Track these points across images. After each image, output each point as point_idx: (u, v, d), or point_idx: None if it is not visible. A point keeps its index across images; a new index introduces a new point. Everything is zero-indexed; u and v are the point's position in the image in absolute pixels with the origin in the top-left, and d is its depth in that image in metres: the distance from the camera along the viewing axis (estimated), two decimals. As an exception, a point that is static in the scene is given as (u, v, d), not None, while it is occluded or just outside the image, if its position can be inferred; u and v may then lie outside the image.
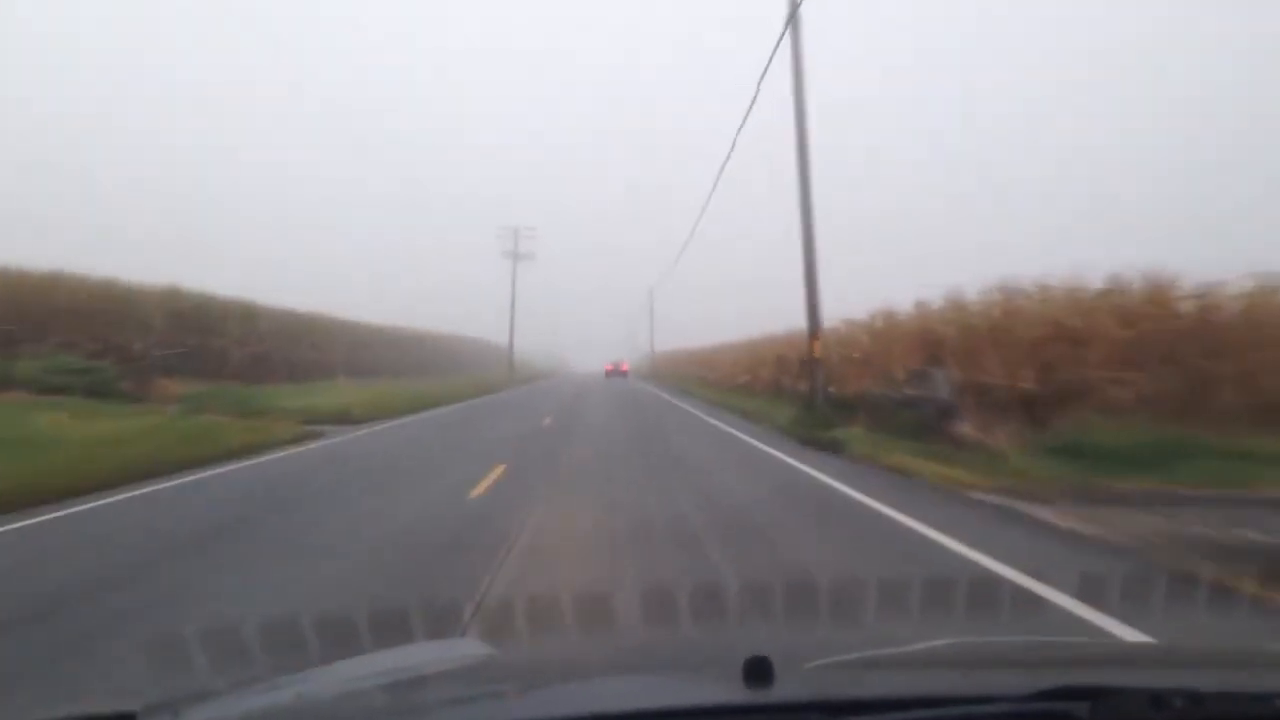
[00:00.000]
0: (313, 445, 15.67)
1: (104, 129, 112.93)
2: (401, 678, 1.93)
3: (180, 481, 10.91)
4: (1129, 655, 2.61)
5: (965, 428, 12.86)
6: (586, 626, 4.36)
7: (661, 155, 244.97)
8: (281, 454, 14.09)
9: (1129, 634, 4.15)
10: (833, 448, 13.38)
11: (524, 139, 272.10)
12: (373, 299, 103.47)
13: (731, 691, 1.48)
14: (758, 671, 1.46)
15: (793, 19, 16.94)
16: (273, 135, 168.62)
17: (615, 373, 74.81)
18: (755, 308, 77.39)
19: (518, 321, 71.03)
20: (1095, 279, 14.73)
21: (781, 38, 17.02)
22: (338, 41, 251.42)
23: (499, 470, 10.85)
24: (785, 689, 1.47)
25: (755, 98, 19.50)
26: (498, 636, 4.34)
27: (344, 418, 22.18)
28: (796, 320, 37.62)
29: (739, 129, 23.42)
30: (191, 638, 3.73)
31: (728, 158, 28.50)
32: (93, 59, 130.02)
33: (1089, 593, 4.70)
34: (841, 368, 21.72)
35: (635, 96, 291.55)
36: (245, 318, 33.81)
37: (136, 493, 9.97)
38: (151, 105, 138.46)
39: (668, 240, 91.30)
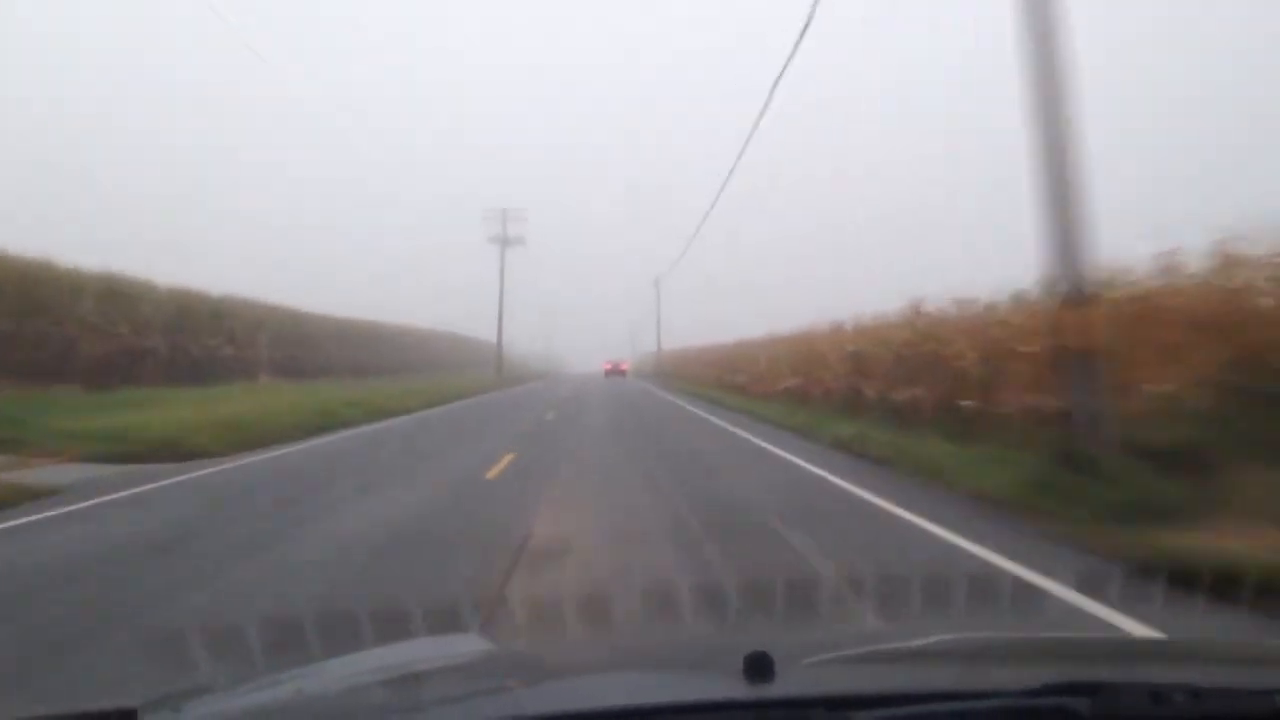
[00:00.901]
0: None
1: (82, 123, 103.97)
2: (402, 673, 1.87)
3: None
4: (1130, 650, 2.50)
5: None
6: (588, 624, 4.14)
7: (665, 155, 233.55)
8: None
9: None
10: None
11: (523, 137, 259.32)
12: (383, 298, 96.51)
13: (732, 687, 1.43)
14: (759, 667, 1.42)
15: None
16: (268, 134, 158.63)
17: (614, 372, 75.12)
18: (770, 309, 69.01)
19: (514, 320, 62.78)
20: None
21: None
22: (334, 40, 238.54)
23: None
24: (786, 684, 1.44)
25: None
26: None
27: (171, 450, 13.13)
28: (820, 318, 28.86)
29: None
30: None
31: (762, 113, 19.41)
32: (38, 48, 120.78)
33: None
34: (1005, 365, 12.61)
35: (637, 94, 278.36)
36: (111, 297, 24.61)
37: None
38: (140, 99, 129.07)
39: (674, 237, 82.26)
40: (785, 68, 18.41)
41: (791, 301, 68.22)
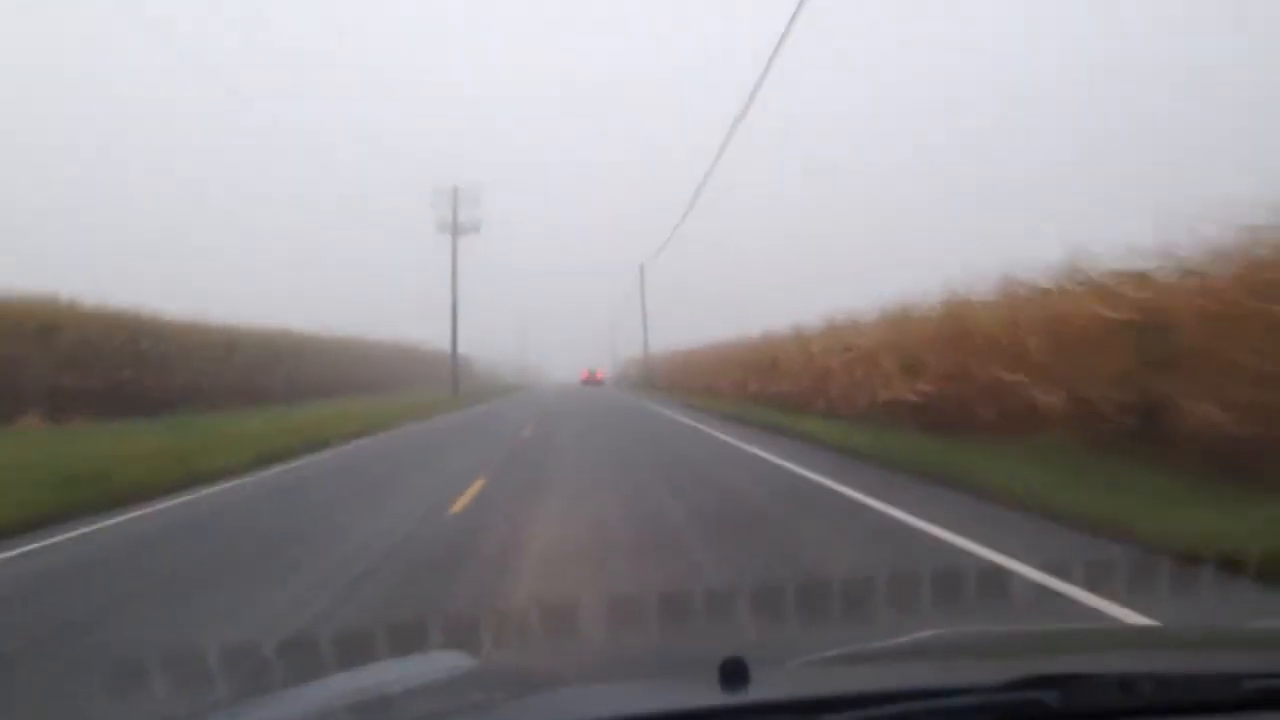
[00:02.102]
0: None
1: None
2: (374, 694, 1.79)
3: None
4: (1104, 641, 2.46)
5: None
6: (563, 635, 4.20)
7: (651, 146, 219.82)
8: None
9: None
10: None
11: (494, 123, 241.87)
12: (341, 311, 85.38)
13: (708, 694, 1.41)
14: (734, 673, 1.41)
15: None
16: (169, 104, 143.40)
17: (591, 380, 74.71)
18: (769, 313, 57.12)
19: (484, 329, 51.31)
20: None
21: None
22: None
23: None
24: (762, 689, 1.43)
25: None
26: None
27: None
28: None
29: None
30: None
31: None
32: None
33: None
34: None
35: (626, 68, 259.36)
36: None
37: None
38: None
39: (660, 236, 70.75)
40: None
41: (791, 304, 56.03)
